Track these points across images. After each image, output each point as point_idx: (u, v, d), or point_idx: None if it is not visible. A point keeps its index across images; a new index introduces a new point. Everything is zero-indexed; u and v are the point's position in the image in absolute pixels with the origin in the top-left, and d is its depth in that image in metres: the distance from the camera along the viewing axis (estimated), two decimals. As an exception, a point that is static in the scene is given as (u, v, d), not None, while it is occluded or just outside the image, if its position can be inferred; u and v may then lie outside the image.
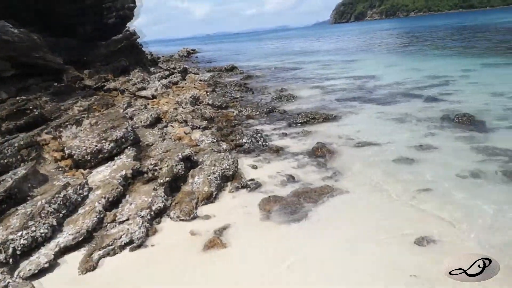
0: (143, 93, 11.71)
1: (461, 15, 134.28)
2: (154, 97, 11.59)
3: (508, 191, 5.06)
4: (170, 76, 15.79)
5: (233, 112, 10.95)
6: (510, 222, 4.34)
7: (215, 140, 7.67)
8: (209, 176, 5.71)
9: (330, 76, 17.52)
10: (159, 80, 14.08)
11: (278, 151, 7.50)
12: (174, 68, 19.69)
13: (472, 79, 13.01)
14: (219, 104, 11.56)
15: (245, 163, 6.83)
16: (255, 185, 5.79)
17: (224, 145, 7.55)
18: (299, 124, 9.40)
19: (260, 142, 7.89)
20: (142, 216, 4.75)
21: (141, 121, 8.52)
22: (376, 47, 33.76)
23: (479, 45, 25.62)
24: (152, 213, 4.90)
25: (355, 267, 3.75)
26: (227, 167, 6.01)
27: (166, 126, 8.70)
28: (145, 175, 5.77)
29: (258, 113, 10.81)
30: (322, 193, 5.51)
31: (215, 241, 4.32)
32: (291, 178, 6.07)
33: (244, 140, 7.91)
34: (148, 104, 10.52)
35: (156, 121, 8.84)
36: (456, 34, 39.72)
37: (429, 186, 5.34)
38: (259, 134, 8.18)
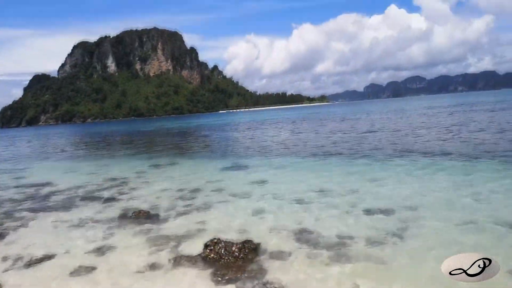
0: None
1: (134, 122, 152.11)
2: None
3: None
4: None
5: None
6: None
7: None
8: None
9: (-6, 187, 14.88)
10: None
11: None
12: None
13: (145, 178, 14.47)
14: None
15: None
16: None
17: None
18: None
19: None
20: None
21: None
22: (53, 153, 32.16)
23: (147, 148, 29.38)
24: None
25: None
26: None
27: None
28: None
29: None
30: None
31: None
32: None
33: None
34: None
35: None
36: (129, 139, 44.11)
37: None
38: None
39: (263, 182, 11.94)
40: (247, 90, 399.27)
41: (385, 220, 7.42)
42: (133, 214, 9.01)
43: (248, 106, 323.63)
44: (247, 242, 6.07)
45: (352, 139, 22.88)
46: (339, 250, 6.06)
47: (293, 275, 5.26)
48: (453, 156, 13.77)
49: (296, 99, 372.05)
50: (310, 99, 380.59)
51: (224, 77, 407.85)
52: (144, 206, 9.74)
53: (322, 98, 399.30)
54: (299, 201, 9.27)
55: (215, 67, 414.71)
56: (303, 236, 6.78)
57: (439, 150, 15.35)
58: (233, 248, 5.92)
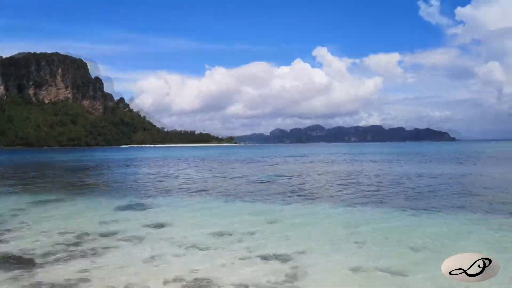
0: None
1: (20, 152, 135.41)
2: None
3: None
4: None
5: None
6: None
7: None
8: None
9: None
10: None
11: None
12: None
13: (23, 217, 12.63)
14: None
15: None
16: None
17: None
18: None
19: None
20: None
21: None
22: None
23: (31, 182, 26.17)
24: None
25: None
26: None
27: None
28: None
29: None
30: None
31: None
32: None
33: None
34: None
35: None
36: (10, 170, 38.98)
37: None
38: None
39: (160, 225, 11.32)
40: (154, 126, 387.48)
41: (280, 266, 7.48)
42: (1, 259, 7.70)
43: (154, 142, 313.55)
44: (134, 294, 5.51)
45: (255, 181, 23.38)
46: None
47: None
48: (344, 202, 14.85)
49: (205, 138, 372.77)
50: (219, 139, 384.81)
51: (131, 110, 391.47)
52: (16, 251, 8.42)
53: (230, 139, 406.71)
54: (197, 247, 8.92)
55: (121, 99, 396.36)
56: (198, 286, 6.44)
57: (336, 196, 16.47)
58: (117, 302, 5.32)
